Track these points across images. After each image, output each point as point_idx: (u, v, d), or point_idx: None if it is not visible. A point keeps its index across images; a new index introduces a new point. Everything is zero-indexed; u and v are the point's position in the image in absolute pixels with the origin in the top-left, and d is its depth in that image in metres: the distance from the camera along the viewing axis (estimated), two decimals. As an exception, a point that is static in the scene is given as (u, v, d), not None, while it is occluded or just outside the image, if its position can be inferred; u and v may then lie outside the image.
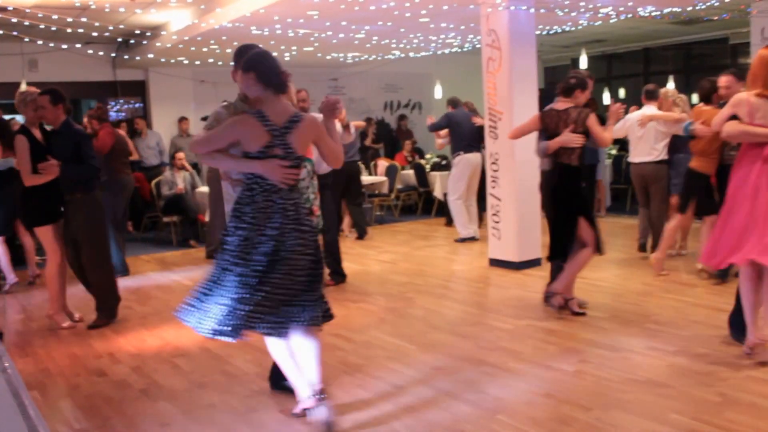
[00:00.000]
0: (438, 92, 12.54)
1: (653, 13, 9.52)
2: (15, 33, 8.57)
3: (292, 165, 3.57)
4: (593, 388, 4.05)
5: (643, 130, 7.25)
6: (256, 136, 3.52)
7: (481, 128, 8.79)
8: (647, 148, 7.28)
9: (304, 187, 6.51)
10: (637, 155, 7.41)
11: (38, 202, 5.68)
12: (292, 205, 3.56)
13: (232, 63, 3.92)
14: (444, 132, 9.52)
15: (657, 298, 6.01)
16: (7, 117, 10.44)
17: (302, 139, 3.62)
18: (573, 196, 5.47)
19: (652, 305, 5.77)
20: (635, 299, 5.99)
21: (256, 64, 3.57)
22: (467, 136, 9.18)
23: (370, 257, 8.64)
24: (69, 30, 8.52)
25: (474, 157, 9.21)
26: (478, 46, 9.88)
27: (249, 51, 3.68)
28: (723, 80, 5.77)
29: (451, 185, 9.46)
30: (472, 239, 9.27)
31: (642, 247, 7.71)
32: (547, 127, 5.47)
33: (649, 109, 7.24)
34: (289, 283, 3.51)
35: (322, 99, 3.98)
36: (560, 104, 5.44)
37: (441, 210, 11.31)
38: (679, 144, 7.15)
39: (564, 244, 5.52)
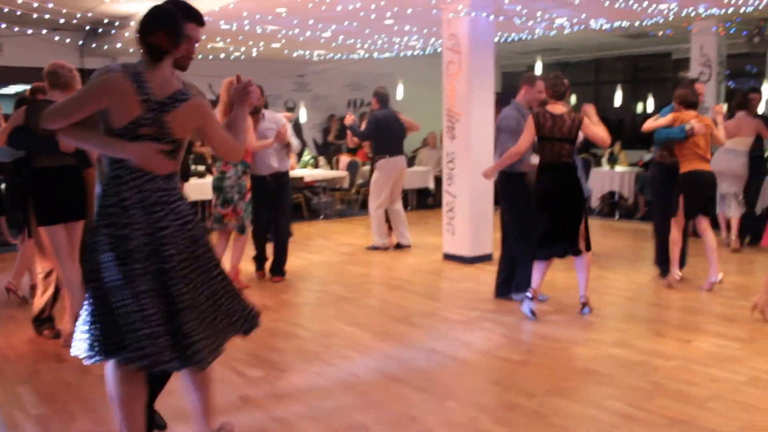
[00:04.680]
0: (400, 92, 12.74)
1: (604, 26, 9.90)
2: (-23, 15, 8.44)
3: (171, 150, 2.90)
4: (537, 376, 4.30)
5: None
6: (127, 105, 2.80)
7: (405, 130, 8.52)
8: None
9: (229, 187, 6.45)
10: None
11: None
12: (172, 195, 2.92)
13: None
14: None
15: (600, 294, 6.26)
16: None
17: (182, 122, 2.89)
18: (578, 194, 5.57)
19: (595, 301, 5.99)
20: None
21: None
22: (395, 137, 8.47)
23: (329, 248, 8.80)
24: (35, 15, 8.39)
25: (400, 160, 8.48)
26: (439, 49, 10.07)
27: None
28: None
29: (374, 191, 8.52)
30: (385, 249, 8.58)
31: None
32: (542, 128, 5.45)
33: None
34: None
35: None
36: (553, 108, 5.50)
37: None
38: None
39: (574, 241, 5.52)
